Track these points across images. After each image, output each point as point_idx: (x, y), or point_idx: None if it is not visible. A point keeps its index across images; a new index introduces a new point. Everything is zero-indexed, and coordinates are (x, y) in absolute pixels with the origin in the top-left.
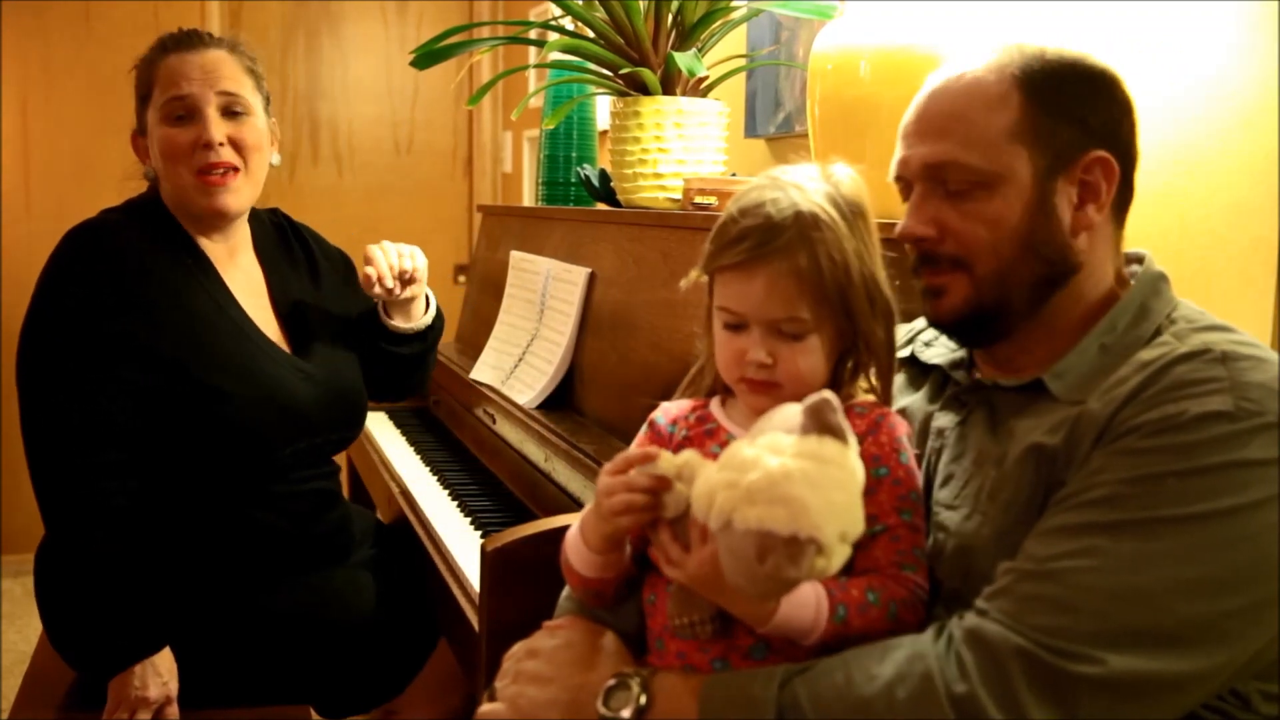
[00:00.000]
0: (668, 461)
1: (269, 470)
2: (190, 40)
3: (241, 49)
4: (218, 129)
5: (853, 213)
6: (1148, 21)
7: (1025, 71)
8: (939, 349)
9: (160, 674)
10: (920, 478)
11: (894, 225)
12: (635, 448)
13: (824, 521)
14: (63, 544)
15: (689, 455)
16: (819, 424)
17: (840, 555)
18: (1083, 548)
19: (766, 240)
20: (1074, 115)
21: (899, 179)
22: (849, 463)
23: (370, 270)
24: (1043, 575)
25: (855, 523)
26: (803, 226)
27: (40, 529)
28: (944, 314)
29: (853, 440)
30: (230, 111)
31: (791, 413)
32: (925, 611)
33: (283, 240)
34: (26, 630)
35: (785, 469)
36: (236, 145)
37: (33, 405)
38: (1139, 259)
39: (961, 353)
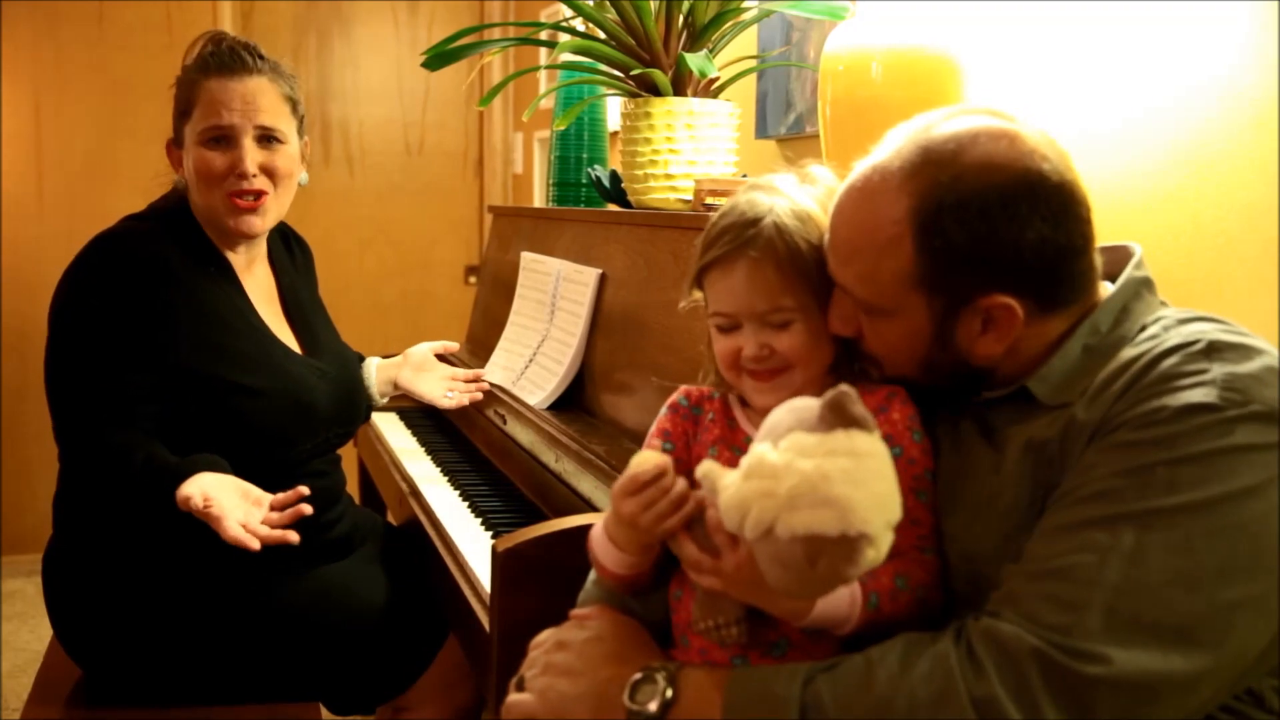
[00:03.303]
0: (704, 468)
1: (284, 466)
2: (233, 65)
3: (282, 73)
4: (252, 159)
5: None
6: (1158, 20)
7: (923, 207)
8: None
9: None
10: (933, 457)
11: None
12: (654, 430)
13: (872, 515)
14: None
15: (708, 465)
16: (843, 418)
17: (887, 543)
18: (1083, 543)
19: (742, 232)
20: (971, 258)
21: None
22: (881, 450)
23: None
24: (1048, 574)
25: (897, 508)
26: (778, 216)
27: (49, 529)
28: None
29: (875, 425)
30: (265, 139)
31: (803, 407)
32: (945, 595)
33: (286, 247)
34: (40, 630)
35: (823, 471)
36: (268, 172)
37: (58, 398)
38: (1128, 254)
39: None
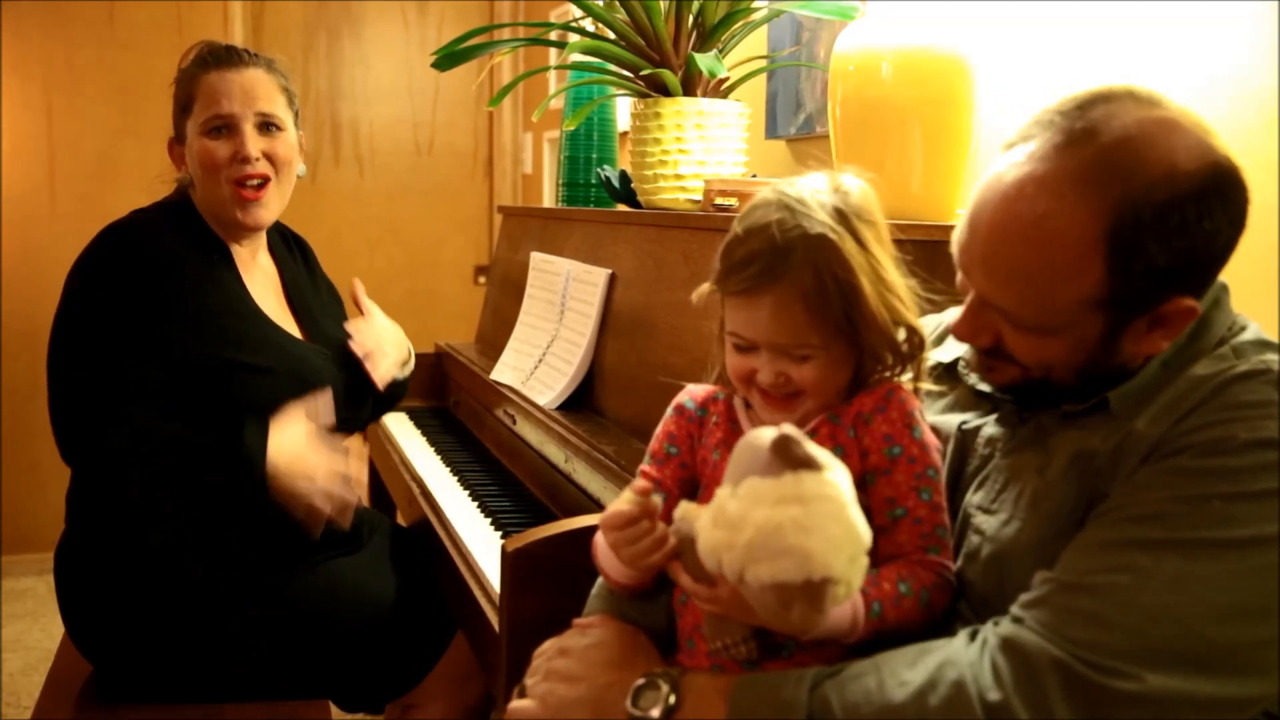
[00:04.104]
0: (680, 511)
1: None
2: (231, 58)
3: (277, 68)
4: (254, 144)
5: (863, 225)
6: (1166, 20)
7: (1119, 226)
8: None
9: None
10: (938, 453)
11: (912, 226)
12: (659, 433)
13: (831, 558)
14: (95, 477)
15: (684, 508)
16: (789, 461)
17: (859, 573)
18: (1124, 563)
19: (772, 265)
20: (1170, 273)
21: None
22: (832, 490)
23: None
24: (1082, 588)
25: (859, 540)
26: (808, 249)
27: (60, 527)
28: (993, 384)
29: (826, 459)
30: (265, 127)
31: (758, 446)
32: (954, 594)
33: (286, 245)
34: (51, 628)
35: (774, 522)
36: (270, 159)
37: (60, 391)
38: None
39: None
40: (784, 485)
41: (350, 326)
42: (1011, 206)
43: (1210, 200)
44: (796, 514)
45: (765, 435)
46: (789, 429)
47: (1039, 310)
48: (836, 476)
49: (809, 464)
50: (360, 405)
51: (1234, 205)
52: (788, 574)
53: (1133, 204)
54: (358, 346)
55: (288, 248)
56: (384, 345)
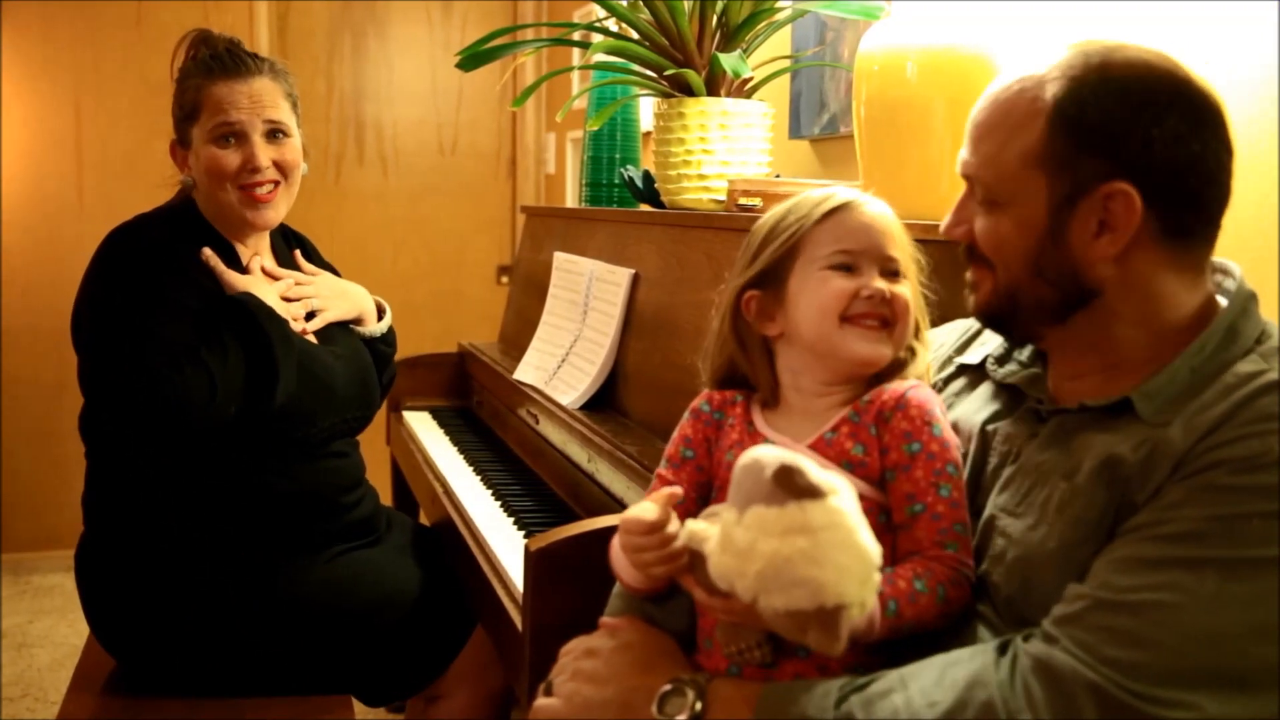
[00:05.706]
0: (687, 531)
1: (305, 445)
2: (236, 68)
3: (281, 73)
4: (264, 154)
5: None
6: (1192, 20)
7: (1065, 91)
8: (1013, 365)
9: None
10: (958, 450)
11: (938, 227)
12: (676, 436)
13: (843, 586)
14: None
15: (689, 530)
16: (793, 491)
17: (871, 591)
18: (1163, 582)
19: (848, 192)
20: (1104, 144)
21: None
22: (837, 517)
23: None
24: (1119, 606)
25: (869, 562)
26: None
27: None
28: (975, 308)
29: (829, 483)
30: (273, 134)
31: (762, 473)
32: (971, 590)
33: (285, 241)
34: (78, 624)
35: (783, 555)
36: (278, 166)
37: (89, 370)
38: (1224, 270)
39: (1036, 368)
40: (789, 515)
41: (292, 290)
42: (997, 86)
43: (1160, 91)
44: (804, 545)
45: (767, 461)
46: (788, 459)
47: (993, 168)
48: (841, 501)
49: (813, 493)
50: (370, 405)
51: (1190, 113)
52: (801, 603)
53: (1085, 72)
54: (297, 307)
55: (287, 245)
56: (325, 300)
